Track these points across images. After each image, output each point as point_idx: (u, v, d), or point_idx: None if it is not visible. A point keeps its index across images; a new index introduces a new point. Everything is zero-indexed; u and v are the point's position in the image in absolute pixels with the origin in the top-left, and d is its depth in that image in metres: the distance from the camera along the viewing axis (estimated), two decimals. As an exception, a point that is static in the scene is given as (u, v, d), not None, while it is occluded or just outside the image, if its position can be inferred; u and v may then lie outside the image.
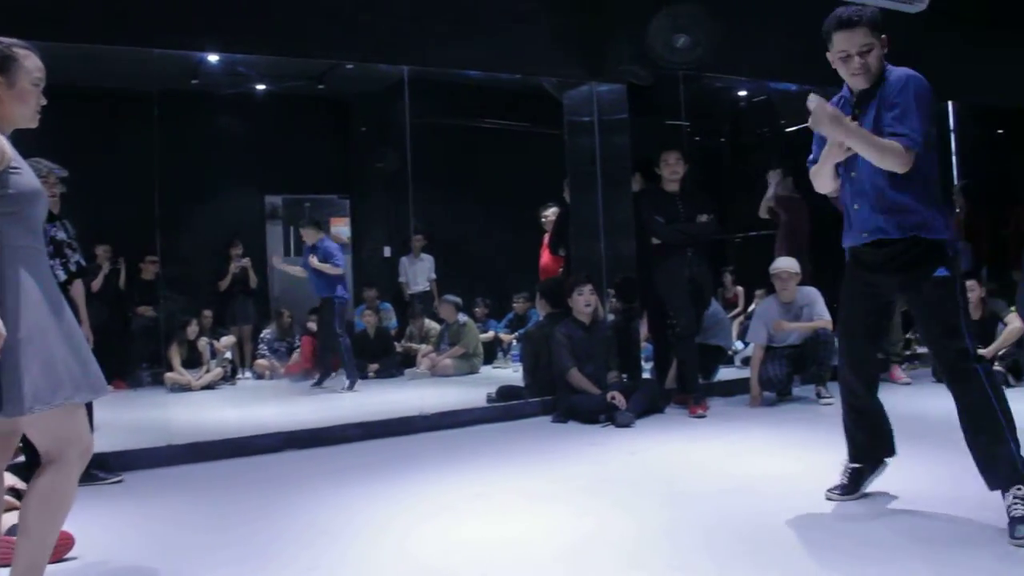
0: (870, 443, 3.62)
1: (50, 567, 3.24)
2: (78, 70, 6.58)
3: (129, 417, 6.82)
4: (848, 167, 3.36)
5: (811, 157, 3.52)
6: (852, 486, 3.64)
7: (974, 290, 6.86)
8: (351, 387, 8.29)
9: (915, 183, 3.20)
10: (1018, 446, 3.07)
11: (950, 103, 9.52)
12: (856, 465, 3.65)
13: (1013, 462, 3.03)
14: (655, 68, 7.28)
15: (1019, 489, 2.99)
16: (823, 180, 3.46)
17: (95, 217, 7.77)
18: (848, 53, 3.25)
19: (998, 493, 3.08)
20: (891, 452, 3.65)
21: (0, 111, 2.53)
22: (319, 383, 8.60)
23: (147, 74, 6.52)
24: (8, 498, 3.05)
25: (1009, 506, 2.99)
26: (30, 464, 2.83)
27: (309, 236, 8.56)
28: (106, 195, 8.00)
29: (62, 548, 3.37)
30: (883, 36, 3.26)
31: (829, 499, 3.63)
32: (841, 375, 3.61)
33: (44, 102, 2.62)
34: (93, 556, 3.42)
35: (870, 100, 3.28)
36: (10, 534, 2.86)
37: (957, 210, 9.26)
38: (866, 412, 3.59)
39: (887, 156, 3.13)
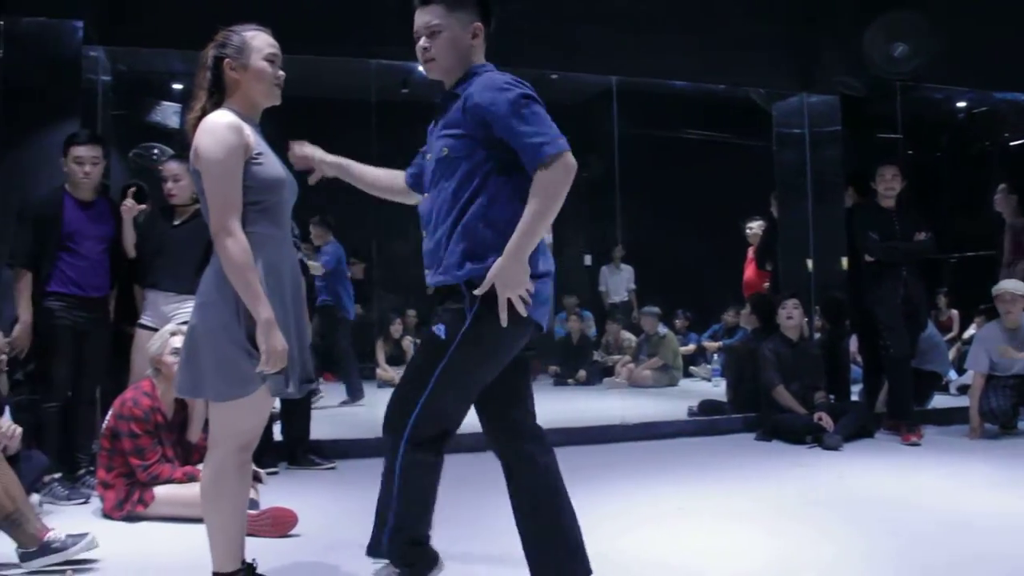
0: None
1: (278, 540, 3.60)
2: (304, 82, 7.03)
3: (340, 408, 7.24)
4: None
5: None
6: None
7: None
8: (353, 401, 7.88)
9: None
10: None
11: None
12: None
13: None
14: (870, 78, 7.05)
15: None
16: None
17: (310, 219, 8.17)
18: (416, 37, 2.66)
19: None
20: None
21: (242, 95, 2.66)
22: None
23: (365, 84, 6.87)
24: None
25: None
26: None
27: (318, 237, 7.87)
28: (323, 199, 8.49)
29: (287, 524, 3.72)
30: (475, 24, 2.67)
31: None
32: None
33: (280, 76, 2.70)
34: (314, 533, 3.72)
35: (453, 102, 2.65)
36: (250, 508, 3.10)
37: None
38: None
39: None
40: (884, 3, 6.84)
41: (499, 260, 2.43)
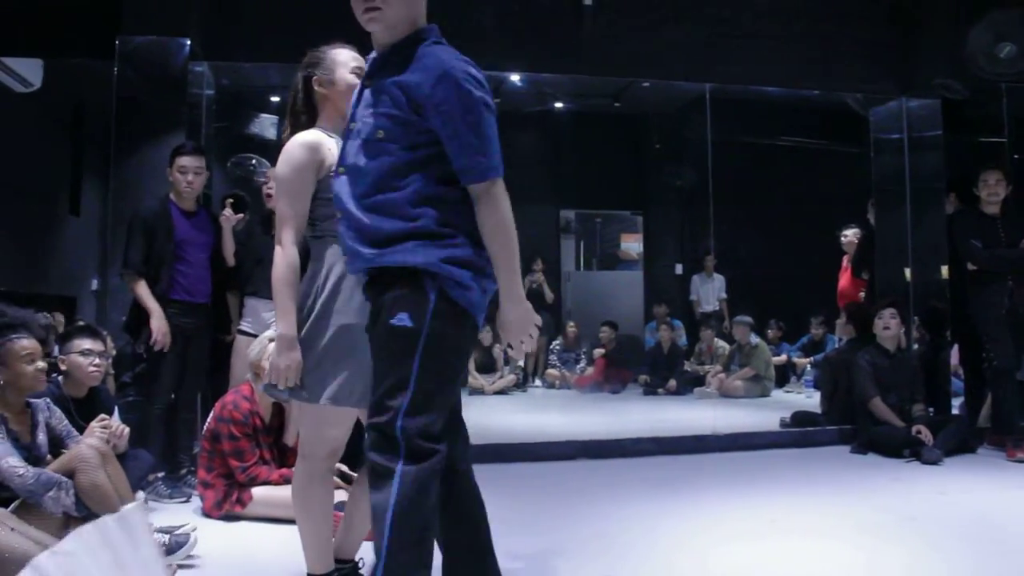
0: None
1: (368, 543, 3.63)
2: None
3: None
4: None
5: None
6: None
7: None
8: None
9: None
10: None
11: None
12: None
13: None
14: (973, 81, 6.83)
15: None
16: None
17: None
18: None
19: None
20: None
21: (332, 109, 2.74)
22: None
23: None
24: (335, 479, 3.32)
25: None
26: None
27: None
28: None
29: (377, 527, 3.74)
30: None
31: None
32: None
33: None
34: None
35: (387, 67, 2.32)
36: (337, 510, 3.15)
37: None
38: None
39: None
40: (988, 3, 6.63)
41: (504, 309, 2.30)
